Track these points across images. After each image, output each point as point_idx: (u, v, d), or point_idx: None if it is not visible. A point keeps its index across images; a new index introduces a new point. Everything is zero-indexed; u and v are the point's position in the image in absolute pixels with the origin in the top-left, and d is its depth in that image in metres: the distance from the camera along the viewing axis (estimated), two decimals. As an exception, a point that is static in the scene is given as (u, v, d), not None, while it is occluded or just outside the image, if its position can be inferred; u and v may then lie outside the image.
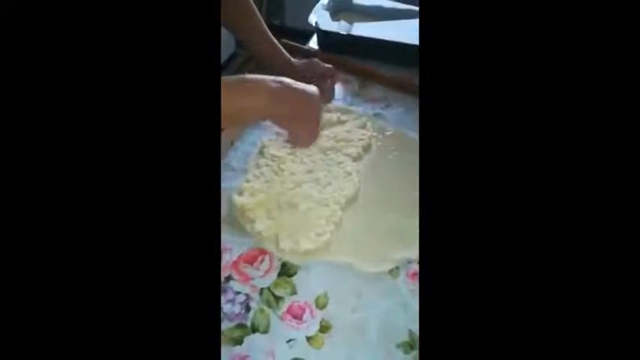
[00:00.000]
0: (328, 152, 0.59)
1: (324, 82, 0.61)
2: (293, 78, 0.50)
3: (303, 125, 0.50)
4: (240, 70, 1.92)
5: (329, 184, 0.54)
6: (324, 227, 0.49)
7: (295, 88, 0.47)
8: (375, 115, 0.67)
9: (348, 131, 0.62)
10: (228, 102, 0.38)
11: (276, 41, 0.64)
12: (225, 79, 0.41)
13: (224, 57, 1.81)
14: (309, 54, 0.77)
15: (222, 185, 0.54)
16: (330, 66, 0.63)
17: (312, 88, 0.49)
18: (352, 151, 0.59)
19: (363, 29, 0.76)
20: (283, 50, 0.64)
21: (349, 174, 0.56)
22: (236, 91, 0.42)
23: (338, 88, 0.73)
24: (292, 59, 0.64)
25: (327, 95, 0.63)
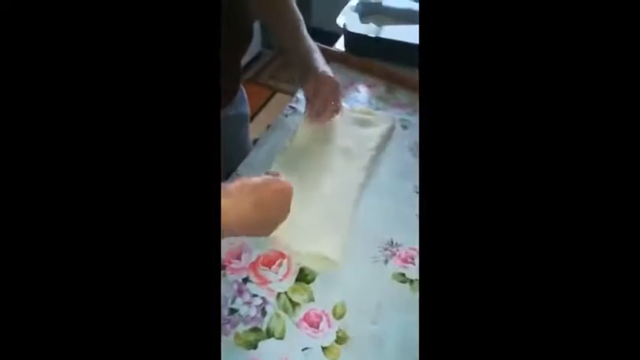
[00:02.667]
0: (349, 154, 0.58)
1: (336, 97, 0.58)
2: (310, 81, 0.52)
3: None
4: (264, 69, 1.94)
5: (347, 187, 0.53)
6: (339, 232, 0.48)
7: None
8: (401, 120, 0.65)
9: (370, 135, 0.61)
10: None
11: (307, 45, 0.60)
12: None
13: (250, 56, 1.82)
14: (337, 57, 0.76)
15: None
16: (339, 87, 0.58)
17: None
18: (373, 152, 0.58)
19: (393, 32, 0.74)
20: (313, 54, 0.60)
21: (368, 178, 0.55)
22: None
23: (364, 91, 0.72)
24: (318, 65, 0.58)
25: (328, 116, 0.58)
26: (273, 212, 0.43)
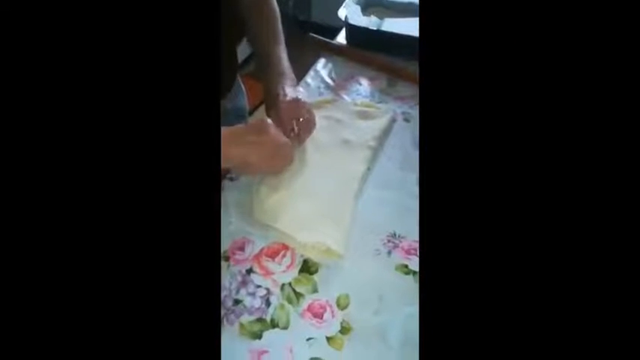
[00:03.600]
0: (350, 146, 0.58)
1: (302, 125, 0.54)
2: (271, 111, 0.53)
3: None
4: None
5: (349, 179, 0.53)
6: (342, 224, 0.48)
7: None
8: (403, 113, 0.65)
9: (371, 127, 0.61)
10: None
11: (278, 55, 0.57)
12: None
13: (249, 50, 1.81)
14: (338, 50, 0.76)
15: (246, 178, 0.54)
16: (308, 108, 0.55)
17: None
18: (374, 144, 0.58)
19: (394, 25, 0.74)
20: (280, 69, 0.56)
21: (369, 169, 0.55)
22: None
23: (365, 84, 0.71)
24: (284, 94, 0.54)
25: (302, 137, 0.55)
26: (272, 138, 0.48)
